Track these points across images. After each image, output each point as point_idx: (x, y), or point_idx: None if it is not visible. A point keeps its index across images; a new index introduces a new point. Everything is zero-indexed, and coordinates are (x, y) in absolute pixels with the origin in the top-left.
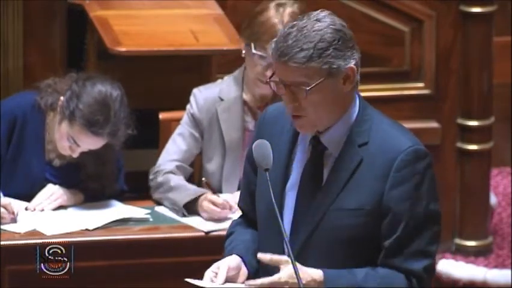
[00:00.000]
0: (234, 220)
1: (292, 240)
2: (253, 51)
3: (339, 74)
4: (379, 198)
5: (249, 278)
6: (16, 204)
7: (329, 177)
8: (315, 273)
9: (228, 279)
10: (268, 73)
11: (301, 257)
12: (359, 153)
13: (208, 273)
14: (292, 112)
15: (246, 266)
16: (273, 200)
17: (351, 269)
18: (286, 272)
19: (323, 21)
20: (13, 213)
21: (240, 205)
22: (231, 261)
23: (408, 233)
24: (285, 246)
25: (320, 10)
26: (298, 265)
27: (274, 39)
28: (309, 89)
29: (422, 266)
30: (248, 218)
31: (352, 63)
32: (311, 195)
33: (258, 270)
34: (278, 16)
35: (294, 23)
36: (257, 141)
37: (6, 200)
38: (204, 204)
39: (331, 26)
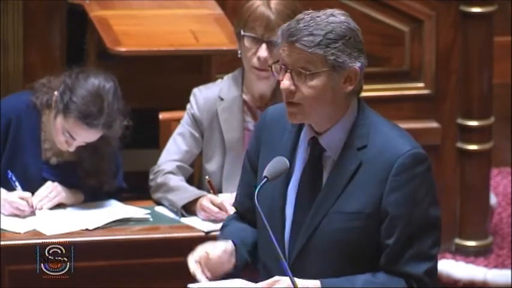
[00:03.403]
0: (231, 215)
1: (292, 242)
2: (242, 33)
3: (342, 72)
4: (378, 202)
5: (235, 268)
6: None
7: (328, 180)
8: (311, 284)
9: (214, 264)
10: (261, 51)
11: (300, 259)
12: (358, 157)
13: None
14: (288, 98)
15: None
16: (266, 222)
17: (350, 276)
18: (283, 283)
19: (338, 17)
20: (32, 206)
21: (236, 206)
22: (221, 247)
23: (408, 237)
24: (286, 271)
25: (338, 9)
26: (295, 279)
27: (287, 23)
28: (309, 73)
29: (423, 270)
30: (243, 217)
31: (357, 65)
32: (310, 198)
33: (247, 263)
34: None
35: (308, 13)
36: (278, 157)
37: (25, 193)
38: (204, 202)
39: (345, 23)
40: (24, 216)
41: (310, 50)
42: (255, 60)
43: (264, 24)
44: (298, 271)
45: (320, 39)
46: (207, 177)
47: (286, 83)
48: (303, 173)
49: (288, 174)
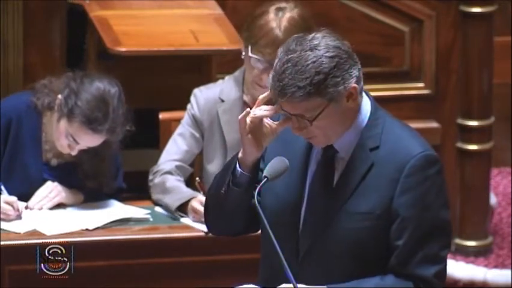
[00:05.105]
0: None
1: (301, 241)
2: (250, 54)
3: (342, 96)
4: (389, 203)
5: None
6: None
7: (339, 180)
8: None
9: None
10: (264, 77)
11: (309, 258)
12: (370, 157)
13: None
14: (303, 136)
15: None
16: (271, 233)
17: (358, 280)
18: None
19: (316, 50)
20: (18, 210)
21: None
22: None
23: (417, 239)
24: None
25: (314, 33)
26: (301, 285)
27: (271, 74)
28: (312, 120)
29: (433, 272)
30: None
31: (352, 82)
32: (321, 198)
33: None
34: (277, 21)
35: (288, 57)
36: (279, 157)
37: (11, 198)
38: (194, 204)
39: (325, 55)
40: (16, 217)
41: (303, 102)
42: (258, 79)
43: (274, 49)
44: (307, 270)
45: (308, 89)
46: (197, 179)
47: (296, 129)
48: (315, 173)
49: (304, 173)
